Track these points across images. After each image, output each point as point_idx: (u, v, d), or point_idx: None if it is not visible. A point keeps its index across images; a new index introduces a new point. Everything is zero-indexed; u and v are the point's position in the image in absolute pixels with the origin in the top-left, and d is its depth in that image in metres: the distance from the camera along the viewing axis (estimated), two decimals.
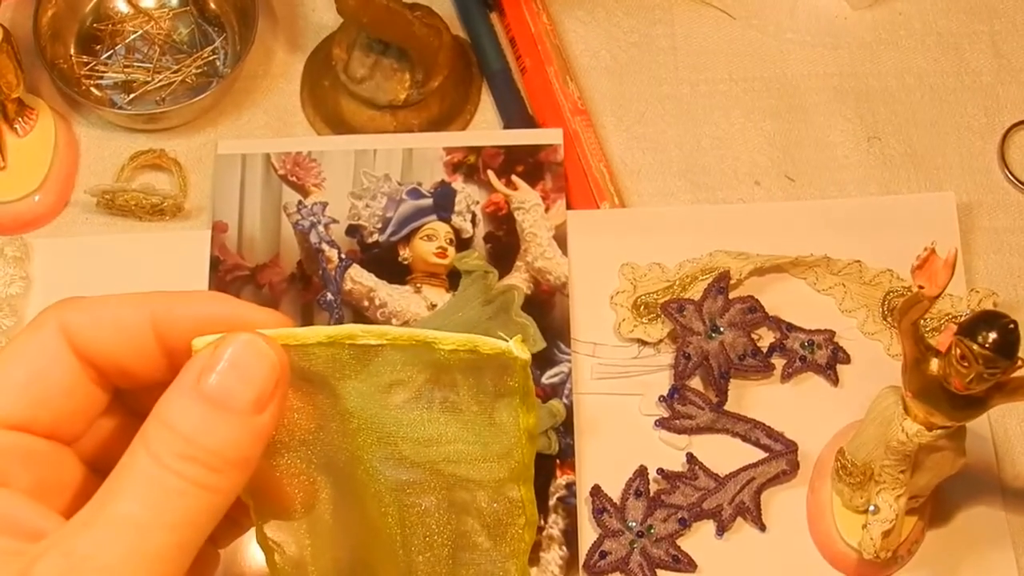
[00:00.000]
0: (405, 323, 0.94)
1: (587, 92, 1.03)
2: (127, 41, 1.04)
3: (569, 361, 0.93)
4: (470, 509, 0.56)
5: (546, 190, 0.97)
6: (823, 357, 0.93)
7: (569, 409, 0.91)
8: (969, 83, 1.04)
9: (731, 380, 0.91)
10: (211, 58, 1.04)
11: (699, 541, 0.88)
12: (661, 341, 0.93)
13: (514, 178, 0.98)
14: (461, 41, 1.05)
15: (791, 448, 0.90)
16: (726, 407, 0.91)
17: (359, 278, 0.95)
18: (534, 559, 0.87)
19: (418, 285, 0.95)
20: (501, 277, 0.95)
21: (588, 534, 0.89)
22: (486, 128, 1.03)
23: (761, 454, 0.90)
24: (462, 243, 0.97)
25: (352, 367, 0.51)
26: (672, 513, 0.88)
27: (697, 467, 0.90)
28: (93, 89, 1.03)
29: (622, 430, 0.92)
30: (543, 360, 0.93)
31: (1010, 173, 1.00)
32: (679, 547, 0.88)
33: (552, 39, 1.04)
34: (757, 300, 0.93)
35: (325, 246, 0.96)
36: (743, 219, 0.98)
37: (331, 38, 1.03)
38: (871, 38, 1.06)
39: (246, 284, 0.95)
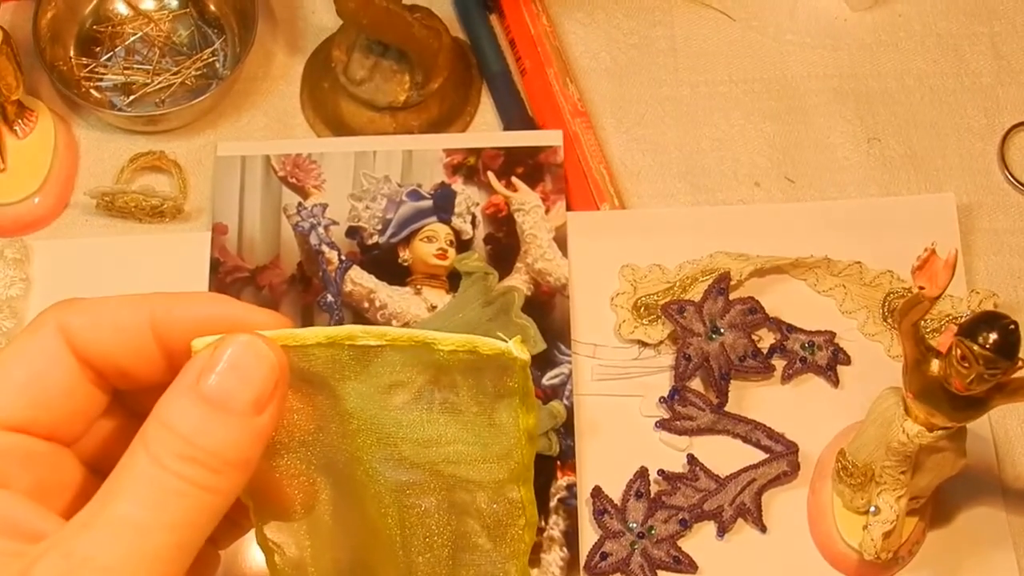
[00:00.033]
0: (405, 324, 0.94)
1: (587, 94, 1.03)
2: (127, 43, 1.04)
3: (569, 362, 0.93)
4: (470, 510, 0.56)
5: (546, 192, 0.97)
6: (823, 358, 0.93)
7: (570, 410, 0.91)
8: (969, 84, 1.04)
9: (731, 381, 0.91)
10: (211, 60, 1.04)
11: (700, 542, 0.88)
12: (661, 342, 0.93)
13: (514, 180, 0.98)
14: (461, 43, 1.05)
15: (792, 449, 0.90)
16: (727, 408, 0.91)
17: (359, 280, 0.95)
18: (535, 560, 0.87)
19: (418, 287, 0.95)
20: (501, 278, 0.95)
21: (589, 535, 0.88)
22: (486, 130, 1.03)
23: (762, 455, 0.90)
24: (462, 245, 0.97)
25: (352, 368, 0.51)
26: (673, 514, 0.88)
27: (698, 468, 0.90)
28: (93, 91, 1.03)
29: (623, 431, 0.92)
30: (544, 361, 0.93)
31: (1010, 174, 1.00)
32: (680, 548, 0.88)
33: (552, 41, 1.04)
34: (757, 301, 0.93)
35: (325, 248, 0.96)
36: (743, 220, 0.98)
37: (331, 40, 1.03)
38: (871, 40, 1.06)
39: (246, 286, 0.95)
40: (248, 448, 0.49)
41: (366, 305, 0.95)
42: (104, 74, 1.03)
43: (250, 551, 0.86)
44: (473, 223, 0.97)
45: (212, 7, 1.05)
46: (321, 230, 0.97)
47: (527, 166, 0.98)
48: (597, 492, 0.89)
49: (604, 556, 0.87)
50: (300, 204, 0.97)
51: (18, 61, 0.96)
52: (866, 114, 1.03)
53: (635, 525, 0.88)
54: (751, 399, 0.92)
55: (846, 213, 0.98)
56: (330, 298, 0.95)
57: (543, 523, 0.88)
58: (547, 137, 0.99)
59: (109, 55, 1.04)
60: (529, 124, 1.02)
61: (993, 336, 0.69)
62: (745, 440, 0.91)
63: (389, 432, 0.53)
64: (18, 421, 0.51)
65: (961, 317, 0.93)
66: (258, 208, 0.97)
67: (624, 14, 1.07)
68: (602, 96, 1.04)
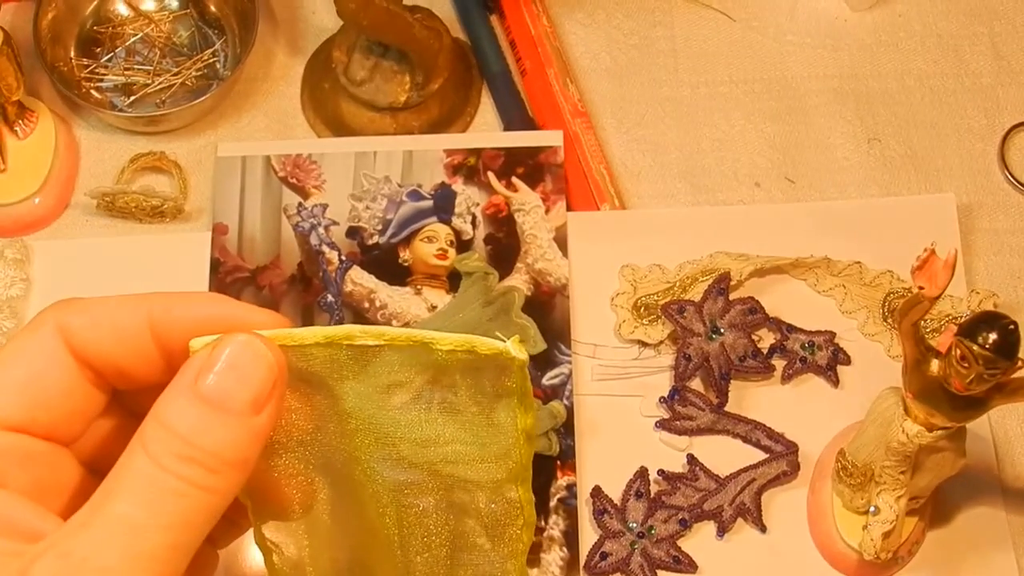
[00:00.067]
0: (406, 324, 0.94)
1: (587, 94, 1.03)
2: (127, 44, 1.05)
3: (569, 362, 0.93)
4: (468, 510, 0.56)
5: (546, 192, 0.97)
6: (823, 358, 0.93)
7: (570, 410, 0.91)
8: (969, 85, 1.04)
9: (731, 381, 0.91)
10: (211, 60, 1.04)
11: (700, 542, 0.88)
12: (661, 342, 0.93)
13: (514, 180, 0.98)
14: (461, 43, 1.05)
15: (791, 449, 0.90)
16: (726, 408, 0.91)
17: (359, 280, 0.95)
18: (535, 560, 0.87)
19: (418, 287, 0.95)
20: (501, 279, 0.95)
21: (589, 535, 0.89)
22: (486, 130, 1.03)
23: (762, 455, 0.90)
24: (462, 245, 0.97)
25: (350, 368, 0.51)
26: (673, 514, 0.88)
27: (698, 468, 0.90)
28: (93, 92, 1.03)
29: (623, 431, 0.92)
30: (544, 361, 0.93)
31: (1010, 174, 1.00)
32: (680, 548, 0.88)
33: (552, 41, 1.04)
34: (757, 301, 0.93)
35: (325, 248, 0.96)
36: (743, 221, 0.98)
37: (331, 41, 1.04)
38: (871, 40, 1.06)
39: (246, 286, 0.95)
40: (246, 448, 0.49)
41: (366, 305, 0.95)
42: (105, 75, 1.03)
43: (250, 550, 0.87)
44: (473, 223, 0.97)
45: (212, 8, 1.05)
46: (321, 230, 0.97)
47: (527, 166, 0.98)
48: (597, 492, 0.89)
49: (604, 556, 0.87)
50: (300, 204, 0.97)
51: (19, 62, 0.96)
52: (866, 114, 1.03)
53: (635, 525, 0.88)
54: (751, 399, 0.92)
55: (846, 213, 0.98)
56: (330, 298, 0.95)
57: (543, 523, 0.88)
58: (547, 137, 0.99)
59: (110, 56, 1.04)
60: (529, 124, 1.02)
61: (993, 336, 0.69)
62: (745, 440, 0.91)
63: (387, 432, 0.53)
64: (16, 421, 0.51)
65: (961, 317, 0.93)
66: (258, 208, 0.98)
67: (624, 14, 1.07)
68: (602, 96, 1.04)
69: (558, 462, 0.90)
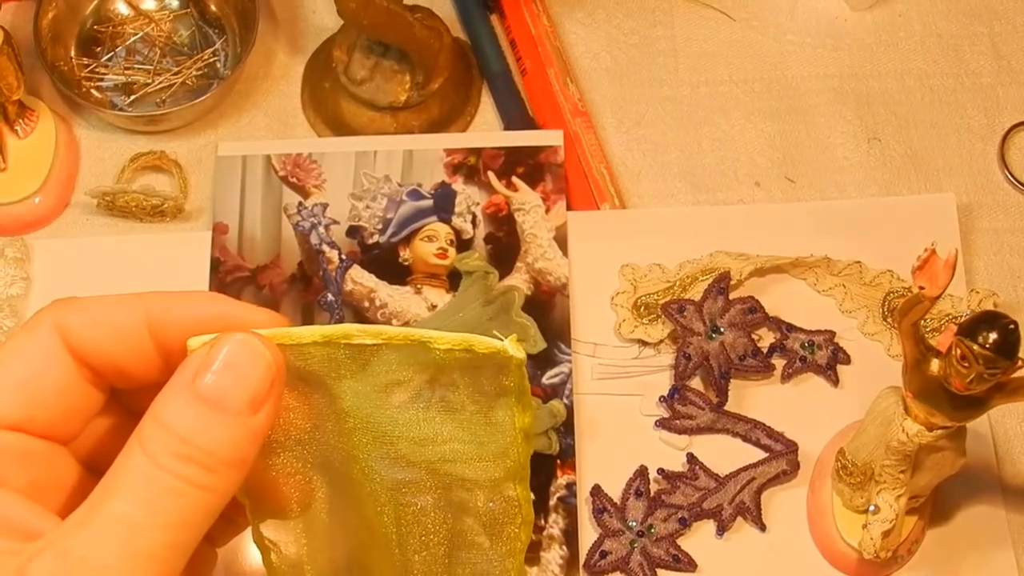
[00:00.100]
0: (406, 324, 0.94)
1: (587, 94, 1.03)
2: (128, 43, 1.05)
3: (569, 361, 0.93)
4: (467, 508, 0.56)
5: (546, 191, 0.97)
6: (823, 358, 0.93)
7: (569, 409, 0.91)
8: (969, 84, 1.04)
9: (731, 380, 0.91)
10: (211, 60, 1.04)
11: (699, 541, 0.88)
12: (661, 342, 0.93)
13: (514, 179, 0.98)
14: (461, 43, 1.05)
15: (791, 448, 0.90)
16: (726, 407, 0.91)
17: (360, 279, 0.95)
18: (535, 559, 0.87)
19: (418, 286, 0.95)
20: (501, 278, 0.95)
21: (588, 534, 0.89)
22: (486, 130, 1.03)
23: (761, 454, 0.90)
24: (462, 244, 0.97)
25: (348, 367, 0.52)
26: (672, 513, 0.88)
27: (697, 467, 0.90)
28: (94, 91, 1.03)
29: (622, 430, 0.92)
30: (544, 360, 0.93)
31: (1010, 174, 1.00)
32: (679, 547, 0.88)
33: (552, 41, 1.04)
34: (757, 301, 0.93)
35: (326, 247, 0.96)
36: (743, 220, 0.98)
37: (331, 40, 1.04)
38: (871, 40, 1.06)
39: (247, 285, 0.95)
40: (244, 447, 0.49)
41: (366, 304, 0.95)
42: (105, 74, 1.03)
43: (248, 549, 0.87)
44: (473, 223, 0.97)
45: (213, 7, 1.05)
46: (322, 229, 0.97)
47: (527, 166, 0.98)
48: (597, 491, 0.89)
49: (604, 555, 0.87)
50: (301, 204, 0.97)
51: (19, 61, 0.96)
52: (866, 114, 1.03)
53: (635, 524, 0.88)
54: (751, 398, 0.92)
55: (846, 213, 0.98)
56: (330, 297, 0.95)
57: (543, 522, 0.88)
58: (547, 137, 0.99)
59: (110, 55, 1.04)
60: (529, 124, 1.02)
61: (993, 336, 0.69)
62: (745, 439, 0.91)
63: (385, 431, 0.53)
64: (14, 420, 0.51)
65: (961, 317, 0.93)
66: (259, 208, 0.98)
67: (625, 14, 1.07)
68: (602, 96, 1.04)
69: (558, 461, 0.90)
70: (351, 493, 0.56)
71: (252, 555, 0.87)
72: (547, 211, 0.97)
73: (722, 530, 0.88)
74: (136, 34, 1.05)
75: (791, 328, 0.93)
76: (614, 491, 0.89)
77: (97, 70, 1.03)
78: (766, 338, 0.93)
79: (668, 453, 0.91)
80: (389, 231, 0.97)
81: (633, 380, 0.93)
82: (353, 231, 0.97)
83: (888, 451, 0.79)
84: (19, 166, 0.99)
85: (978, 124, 1.02)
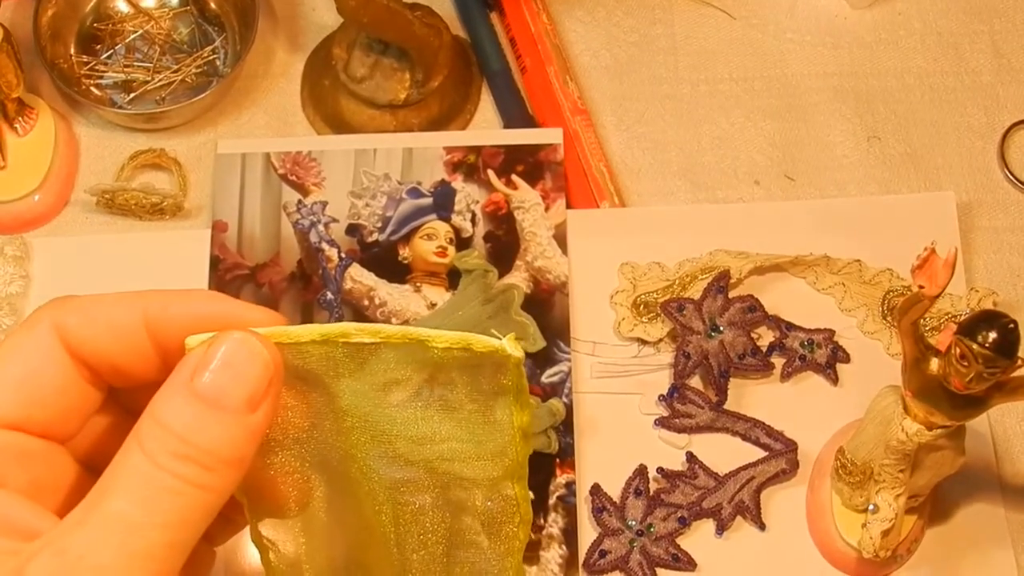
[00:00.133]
0: (405, 322, 0.94)
1: (587, 92, 1.03)
2: (127, 41, 1.04)
3: (569, 360, 0.93)
4: (465, 507, 0.56)
5: (546, 189, 0.97)
6: (823, 356, 0.93)
7: (569, 408, 0.91)
8: (969, 83, 1.04)
9: (731, 379, 0.91)
10: (211, 58, 1.04)
11: (699, 540, 0.88)
12: (661, 340, 0.93)
13: (514, 177, 0.98)
14: (461, 41, 1.05)
15: (791, 447, 0.90)
16: (726, 406, 0.91)
17: (359, 277, 0.95)
18: (534, 558, 0.87)
19: (418, 284, 0.95)
20: (501, 276, 0.95)
21: (588, 533, 0.88)
22: (486, 128, 1.03)
23: (761, 453, 0.90)
24: (462, 242, 0.97)
25: (346, 366, 0.52)
26: (672, 512, 0.88)
27: (697, 466, 0.90)
28: (93, 89, 1.03)
29: (622, 429, 0.92)
30: (543, 359, 0.93)
31: (1010, 173, 1.00)
32: (679, 546, 0.88)
33: (552, 39, 1.04)
34: (757, 299, 0.93)
35: (325, 245, 0.96)
36: (743, 218, 0.98)
37: (331, 38, 1.03)
38: (871, 38, 1.06)
39: (246, 283, 0.95)
40: (242, 446, 0.49)
41: (366, 303, 0.95)
42: (104, 72, 1.03)
43: (247, 548, 0.86)
44: (473, 221, 0.97)
45: (212, 5, 1.05)
46: (321, 228, 0.97)
47: (527, 164, 0.98)
48: (596, 490, 0.89)
49: (603, 554, 0.87)
50: (300, 202, 0.97)
51: (18, 59, 0.96)
52: (866, 112, 1.02)
53: (634, 523, 0.88)
54: (750, 397, 0.92)
55: (846, 211, 0.98)
56: (330, 296, 0.95)
57: (542, 521, 0.88)
58: (547, 135, 0.99)
59: (109, 53, 1.04)
60: (529, 122, 1.02)
61: (992, 335, 0.69)
62: (744, 438, 0.91)
63: (384, 430, 0.53)
64: (12, 419, 0.51)
65: (960, 315, 0.93)
66: (258, 206, 0.97)
67: (624, 12, 1.07)
68: (602, 94, 1.04)
69: (557, 460, 0.90)
70: (349, 492, 0.56)
71: (251, 554, 0.87)
72: (546, 209, 0.97)
73: (721, 529, 0.88)
74: (136, 32, 1.05)
75: (790, 327, 0.93)
76: (613, 490, 0.89)
77: (97, 68, 1.03)
78: (765, 337, 0.93)
79: (667, 452, 0.91)
80: (388, 229, 0.97)
81: (632, 379, 0.93)
82: (352, 229, 0.97)
83: (887, 450, 0.79)
84: (18, 164, 0.99)
85: (978, 122, 1.02)
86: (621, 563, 0.87)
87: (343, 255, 0.96)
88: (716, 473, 0.89)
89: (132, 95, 1.03)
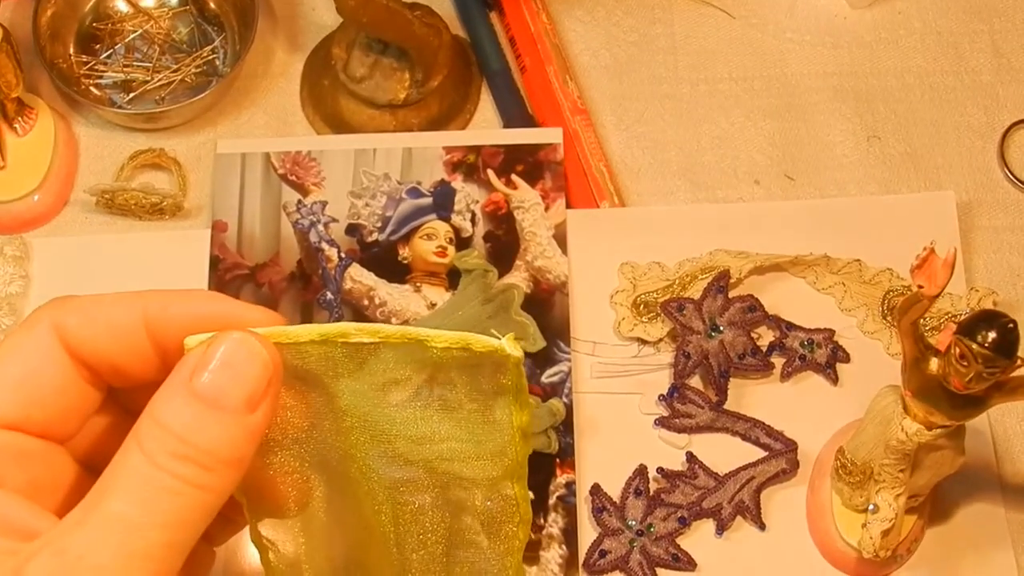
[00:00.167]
0: (405, 322, 0.93)
1: (587, 91, 1.03)
2: (126, 40, 1.04)
3: (569, 360, 0.93)
4: (465, 507, 0.56)
5: (546, 189, 0.97)
6: (823, 356, 0.93)
7: (569, 408, 0.91)
8: (969, 82, 1.04)
9: (731, 379, 0.91)
10: (211, 57, 1.04)
11: (699, 540, 0.88)
12: (661, 340, 0.93)
13: (514, 177, 0.98)
14: (461, 40, 1.05)
15: (791, 447, 0.90)
16: (726, 406, 0.91)
17: (359, 277, 0.95)
18: (534, 558, 0.87)
19: (418, 284, 0.95)
20: (501, 276, 0.95)
21: (588, 533, 0.88)
22: (486, 127, 1.03)
23: (761, 453, 0.90)
24: (462, 242, 0.97)
25: (345, 365, 0.52)
26: (672, 512, 0.88)
27: (697, 466, 0.90)
28: (92, 88, 1.03)
29: (622, 429, 0.92)
30: (543, 359, 0.93)
31: (1010, 172, 1.00)
32: (679, 546, 0.88)
33: (552, 38, 1.04)
34: (757, 299, 0.93)
35: (325, 245, 0.96)
36: (743, 218, 0.98)
37: (331, 37, 1.03)
38: (871, 37, 1.06)
39: (246, 283, 0.95)
40: (241, 446, 0.49)
41: (366, 303, 0.95)
42: (104, 71, 1.03)
43: (247, 548, 0.86)
44: (473, 221, 0.97)
45: (212, 5, 1.05)
46: (321, 227, 0.97)
47: (527, 164, 0.98)
48: (596, 490, 0.89)
49: (603, 554, 0.87)
50: (300, 202, 0.97)
51: (18, 58, 0.96)
52: (866, 112, 1.02)
53: (634, 523, 0.88)
54: (750, 397, 0.92)
55: (846, 211, 0.98)
56: (329, 295, 0.95)
57: (542, 521, 0.88)
58: (547, 135, 0.99)
59: (109, 52, 1.04)
60: (529, 122, 1.02)
61: (992, 335, 0.69)
62: (744, 438, 0.91)
63: (383, 429, 0.53)
64: (12, 419, 0.51)
65: (960, 315, 0.93)
66: (258, 205, 0.97)
67: (624, 11, 1.06)
68: (602, 94, 1.04)
69: (557, 460, 0.90)
70: (349, 492, 0.56)
71: (250, 554, 0.86)
72: (546, 209, 0.97)
73: (721, 529, 0.88)
74: (135, 31, 1.05)
75: (790, 326, 0.93)
76: (613, 490, 0.89)
77: (96, 67, 1.03)
78: (765, 336, 0.93)
79: (667, 452, 0.91)
80: (388, 229, 0.97)
81: (632, 379, 0.93)
82: (352, 229, 0.97)
83: (887, 450, 0.79)
84: (18, 164, 0.98)
85: (978, 122, 1.02)
86: (621, 563, 0.87)
87: (343, 255, 0.96)
88: (716, 473, 0.89)
89: (131, 95, 1.03)
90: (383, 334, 0.51)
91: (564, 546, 0.88)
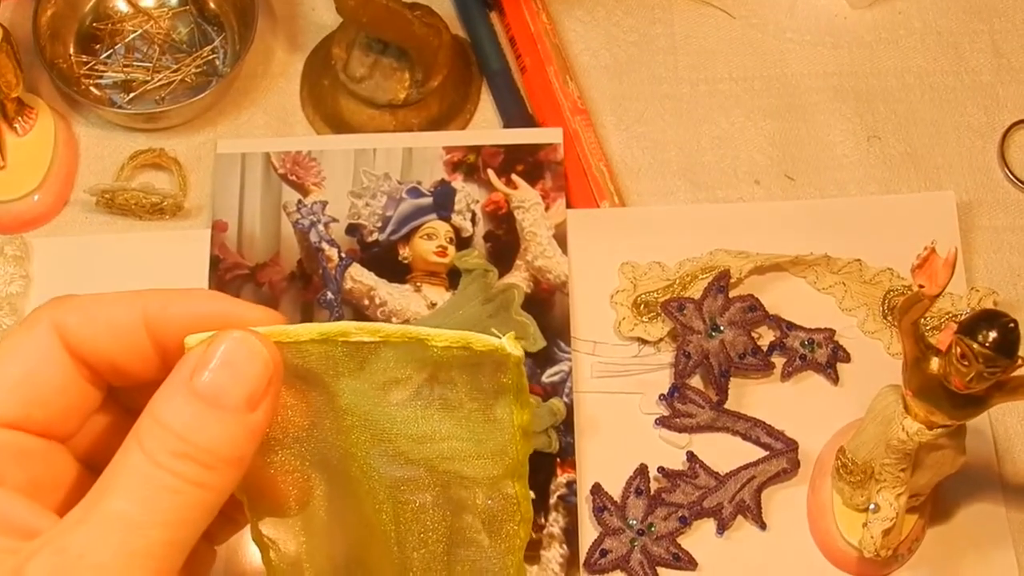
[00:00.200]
0: (405, 321, 0.93)
1: (587, 91, 1.03)
2: (126, 40, 1.04)
3: (569, 360, 0.93)
4: (466, 506, 0.56)
5: (546, 189, 0.97)
6: (823, 356, 0.92)
7: (569, 407, 0.91)
8: (969, 82, 1.04)
9: (731, 379, 0.91)
10: (210, 57, 1.04)
11: (700, 539, 0.88)
12: (661, 340, 0.93)
13: (514, 177, 0.98)
14: (461, 40, 1.05)
15: (791, 447, 0.90)
16: (726, 406, 0.91)
17: (359, 277, 0.95)
18: (535, 557, 0.87)
19: (418, 284, 0.95)
20: (501, 276, 0.95)
21: (589, 532, 0.88)
22: (486, 127, 1.03)
23: (761, 452, 0.90)
24: (462, 242, 0.97)
25: (346, 365, 0.52)
26: (673, 511, 0.88)
27: (697, 465, 0.89)
28: (92, 88, 1.03)
29: (622, 428, 0.92)
30: (543, 359, 0.92)
31: (1010, 172, 1.00)
32: (680, 545, 0.88)
33: (552, 38, 1.04)
34: (757, 299, 0.93)
35: (325, 245, 0.96)
36: (743, 218, 0.98)
37: (330, 37, 1.03)
38: (871, 37, 1.06)
39: (246, 283, 0.95)
40: (242, 444, 0.49)
41: (366, 302, 0.95)
42: (104, 71, 1.03)
43: (248, 547, 0.86)
44: (473, 220, 0.97)
45: (212, 5, 1.05)
46: (321, 227, 0.97)
47: (527, 163, 0.98)
48: (597, 489, 0.89)
49: (604, 553, 0.87)
50: (300, 201, 0.97)
51: (18, 58, 0.96)
52: (866, 112, 1.02)
53: (635, 522, 0.88)
54: (751, 396, 0.92)
55: (846, 211, 0.98)
56: (330, 295, 0.95)
57: (543, 520, 0.88)
58: (547, 135, 0.99)
59: (109, 52, 1.04)
60: (529, 122, 1.02)
61: (993, 334, 0.69)
62: (745, 437, 0.91)
63: (384, 428, 0.53)
64: (12, 418, 0.51)
65: (961, 315, 0.93)
66: (258, 205, 0.97)
67: (624, 12, 1.06)
68: (602, 94, 1.04)
69: (558, 459, 0.90)
70: (350, 491, 0.56)
71: (251, 553, 0.86)
72: (546, 209, 0.97)
73: (722, 529, 0.88)
74: (135, 31, 1.05)
75: (791, 326, 0.93)
76: (614, 489, 0.89)
77: (96, 67, 1.03)
78: (766, 336, 0.93)
79: (668, 451, 0.91)
80: (388, 229, 0.97)
81: (633, 378, 0.93)
82: (352, 229, 0.97)
83: (888, 449, 0.79)
84: (18, 164, 0.98)
85: (978, 122, 1.02)
86: (622, 562, 0.87)
87: (343, 255, 0.96)
88: (717, 472, 0.89)
89: (132, 95, 1.03)
90: (384, 333, 0.51)
91: (565, 545, 0.88)
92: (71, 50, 1.04)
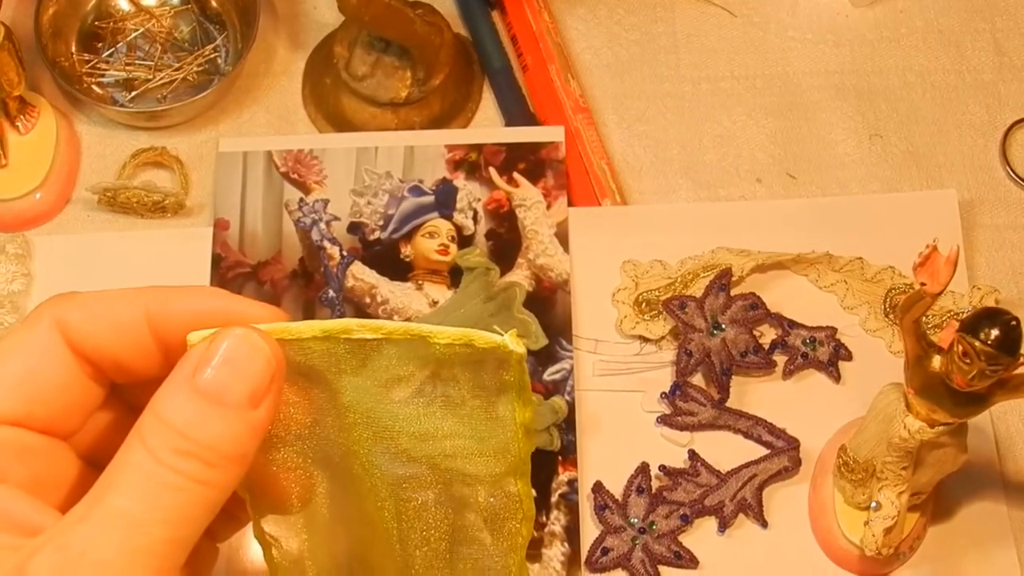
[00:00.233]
0: (407, 320, 0.93)
1: (588, 90, 1.03)
2: (128, 39, 1.04)
3: (571, 358, 0.93)
4: (468, 503, 0.56)
5: (548, 187, 0.97)
6: (825, 354, 0.92)
7: (571, 406, 0.91)
8: (971, 80, 1.04)
9: (733, 377, 0.91)
10: (212, 56, 1.04)
11: (701, 537, 0.88)
12: (663, 338, 0.93)
13: (516, 175, 0.98)
14: (462, 39, 1.05)
15: (793, 445, 0.90)
16: (728, 404, 0.91)
17: (361, 275, 0.95)
18: (536, 556, 0.87)
19: (420, 282, 0.95)
20: (503, 274, 0.95)
21: (590, 530, 0.88)
22: (487, 126, 1.03)
23: (763, 451, 0.90)
24: (464, 240, 0.97)
25: (348, 362, 0.52)
26: (674, 509, 0.88)
27: (699, 464, 0.89)
28: (94, 87, 1.03)
29: (624, 427, 0.92)
30: (545, 357, 0.92)
31: (1012, 170, 1.00)
32: (681, 543, 0.88)
33: (553, 37, 1.04)
34: (759, 297, 0.93)
35: (327, 243, 0.96)
36: (745, 216, 0.98)
37: (332, 36, 1.03)
38: (873, 36, 1.06)
39: (248, 281, 0.95)
40: (244, 442, 0.49)
41: (368, 301, 0.95)
42: (106, 70, 1.03)
43: (251, 544, 0.86)
44: (475, 219, 0.97)
45: (214, 3, 1.05)
46: (323, 226, 0.97)
47: (529, 162, 0.98)
48: (598, 487, 0.89)
49: (605, 551, 0.87)
50: (302, 200, 0.97)
51: (20, 57, 0.96)
52: (867, 110, 1.02)
53: (636, 520, 0.88)
54: (752, 395, 0.92)
55: (847, 209, 0.98)
56: (332, 293, 0.95)
57: (545, 518, 0.88)
58: (549, 133, 0.99)
59: (111, 51, 1.04)
60: (531, 120, 1.02)
61: (995, 332, 0.69)
62: (746, 436, 0.91)
63: (386, 426, 0.53)
64: (14, 415, 0.51)
65: (962, 313, 0.93)
66: (260, 204, 0.97)
67: (626, 10, 1.06)
68: (604, 92, 1.04)
69: (559, 457, 0.90)
70: (352, 488, 0.56)
71: (253, 550, 0.87)
72: (548, 207, 0.97)
73: (724, 527, 0.88)
74: (137, 30, 1.05)
75: (792, 324, 0.93)
76: (616, 488, 0.89)
77: (98, 66, 1.03)
78: (767, 334, 0.93)
79: (670, 449, 0.91)
80: (390, 227, 0.97)
81: (634, 376, 0.93)
82: (354, 227, 0.97)
83: (890, 448, 0.79)
84: (20, 162, 0.99)
85: (980, 120, 1.02)
86: (623, 561, 0.87)
87: (345, 253, 0.96)
88: (718, 471, 0.89)
89: (133, 93, 1.03)
90: (386, 330, 0.51)
91: (566, 544, 0.88)
92: (73, 48, 1.04)
